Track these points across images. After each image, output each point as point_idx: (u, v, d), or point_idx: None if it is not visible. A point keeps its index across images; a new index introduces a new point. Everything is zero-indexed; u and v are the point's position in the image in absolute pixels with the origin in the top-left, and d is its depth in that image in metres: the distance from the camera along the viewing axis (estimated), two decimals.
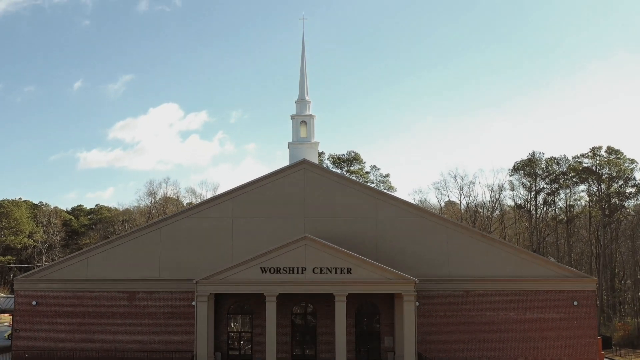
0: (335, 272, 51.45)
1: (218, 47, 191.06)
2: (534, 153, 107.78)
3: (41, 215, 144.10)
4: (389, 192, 55.43)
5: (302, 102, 60.35)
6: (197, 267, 54.79)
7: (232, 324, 56.26)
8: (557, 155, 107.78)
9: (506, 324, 55.17)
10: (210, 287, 51.51)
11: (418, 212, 56.20)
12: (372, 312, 55.81)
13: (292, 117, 59.98)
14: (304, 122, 59.46)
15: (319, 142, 59.52)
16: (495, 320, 55.23)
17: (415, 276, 51.66)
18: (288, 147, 59.69)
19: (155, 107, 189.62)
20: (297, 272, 51.45)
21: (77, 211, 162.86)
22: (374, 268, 51.43)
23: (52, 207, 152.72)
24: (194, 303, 51.98)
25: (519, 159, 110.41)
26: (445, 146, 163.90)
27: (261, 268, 51.55)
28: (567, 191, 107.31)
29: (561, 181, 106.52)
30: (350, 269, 51.50)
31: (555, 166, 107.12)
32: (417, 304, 51.97)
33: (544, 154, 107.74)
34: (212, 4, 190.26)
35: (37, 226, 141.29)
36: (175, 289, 55.31)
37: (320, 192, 56.03)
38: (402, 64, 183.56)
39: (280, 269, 51.50)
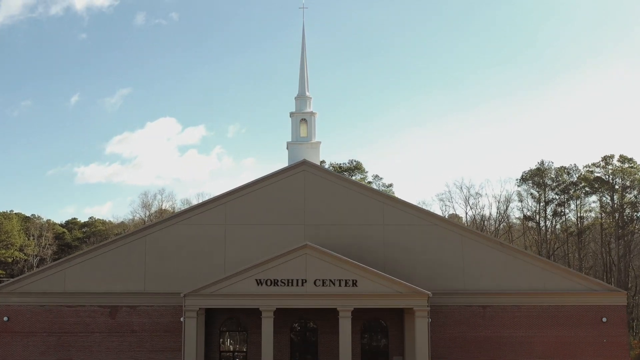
0: (339, 285, 45.50)
1: (215, 59, 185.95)
2: (542, 162, 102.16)
3: (33, 227, 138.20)
4: (397, 197, 49.24)
5: (302, 98, 54.61)
6: (186, 279, 48.84)
7: (225, 342, 50.19)
8: (567, 165, 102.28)
9: (527, 343, 49.10)
10: (199, 301, 45.50)
11: (430, 218, 50.32)
12: (380, 329, 49.77)
13: (292, 114, 54.20)
14: (304, 120, 53.68)
15: (320, 142, 53.72)
16: (515, 339, 49.17)
17: (426, 289, 45.68)
18: (287, 148, 53.91)
19: (153, 121, 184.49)
20: (297, 285, 45.52)
21: (71, 224, 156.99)
22: (382, 280, 45.46)
23: (45, 219, 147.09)
24: (182, 319, 45.96)
25: (527, 169, 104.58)
26: (450, 155, 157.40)
27: (257, 280, 45.60)
28: (578, 202, 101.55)
29: (571, 191, 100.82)
30: (356, 281, 45.54)
31: (565, 176, 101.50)
32: (429, 320, 45.96)
33: (553, 163, 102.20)
34: (209, 17, 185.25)
35: (28, 239, 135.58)
36: (162, 303, 49.29)
37: (322, 196, 50.20)
38: (409, 60, 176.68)
39: (277, 281, 45.58)
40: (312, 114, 53.96)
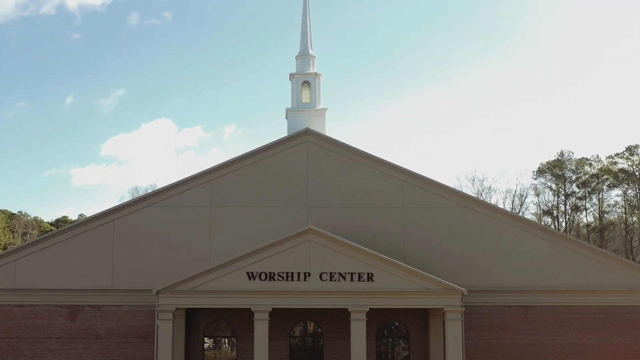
0: (352, 279, 35.60)
1: (210, 58, 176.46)
2: (562, 153, 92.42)
3: (17, 224, 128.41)
4: (420, 174, 39.37)
5: (304, 57, 44.61)
6: (163, 273, 39.00)
7: (210, 350, 40.22)
8: (588, 156, 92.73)
9: (580, 352, 39.20)
10: (176, 299, 35.55)
11: (460, 199, 40.42)
12: (399, 334, 39.83)
13: (292, 76, 44.20)
14: (306, 82, 43.73)
15: (326, 110, 43.84)
16: (564, 347, 39.28)
17: (456, 285, 35.84)
18: (286, 117, 44.03)
19: (148, 122, 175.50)
20: (298, 279, 35.63)
21: (61, 222, 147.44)
22: (405, 273, 35.57)
23: (32, 217, 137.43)
24: (156, 322, 36.04)
25: (545, 160, 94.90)
26: (462, 146, 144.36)
27: (248, 273, 35.68)
28: (600, 196, 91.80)
29: (593, 185, 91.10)
30: (372, 275, 35.64)
31: (586, 167, 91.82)
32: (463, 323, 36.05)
33: (573, 153, 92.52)
34: (203, 15, 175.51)
35: (13, 237, 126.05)
36: (133, 302, 39.40)
37: (328, 172, 40.35)
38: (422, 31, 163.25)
39: (274, 274, 35.68)
40: (316, 75, 44.02)
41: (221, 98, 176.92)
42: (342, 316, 37.66)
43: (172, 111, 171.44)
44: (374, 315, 37.17)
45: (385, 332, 39.68)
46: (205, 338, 39.71)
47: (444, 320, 36.25)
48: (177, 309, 35.89)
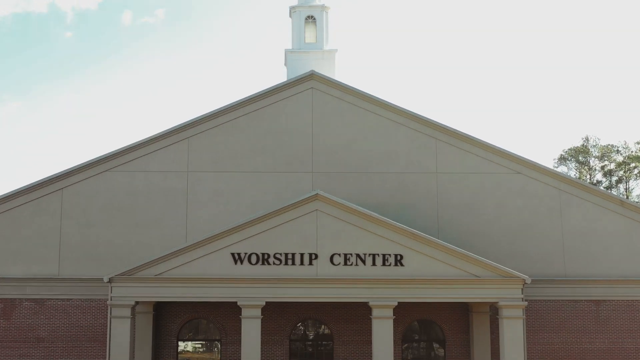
0: (374, 263, 25.77)
1: (205, 56, 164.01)
2: (587, 138, 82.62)
3: None
4: (458, 130, 29.49)
5: None
6: (125, 257, 29.20)
7: (186, 357, 30.19)
8: (615, 142, 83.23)
9: None
10: (136, 289, 25.65)
11: (510, 162, 30.53)
12: (432, 338, 29.92)
13: (292, 9, 34.23)
14: (311, 17, 33.84)
15: (336, 51, 34.06)
16: None
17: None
18: (285, 64, 34.23)
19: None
20: (302, 263, 25.80)
21: None
22: (446, 255, 25.76)
23: None
24: (108, 321, 26.11)
25: (568, 146, 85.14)
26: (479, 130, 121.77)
27: (234, 255, 25.82)
28: (628, 185, 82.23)
29: (621, 173, 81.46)
30: (402, 258, 25.80)
31: (614, 154, 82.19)
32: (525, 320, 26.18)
33: (599, 139, 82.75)
34: (193, 10, 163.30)
35: None
36: (86, 294, 29.50)
37: (339, 128, 30.52)
38: None
39: (268, 256, 25.83)
40: (323, 8, 34.11)
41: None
42: (359, 313, 27.97)
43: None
44: (399, 312, 27.41)
45: (413, 335, 29.75)
46: (179, 342, 29.75)
47: (498, 319, 26.39)
48: (137, 302, 26.01)
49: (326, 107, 30.67)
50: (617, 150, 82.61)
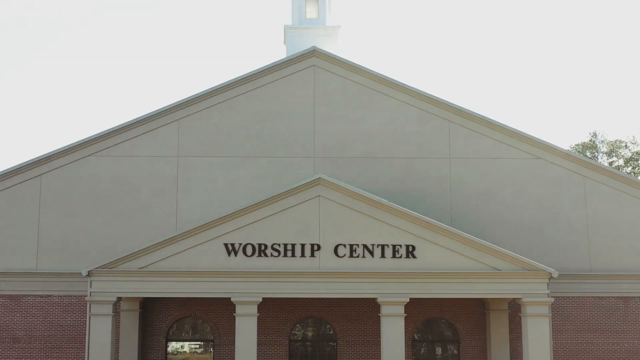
0: (383, 255, 23.01)
1: (197, 32, 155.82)
2: (595, 134, 79.86)
3: None
4: (473, 112, 26.73)
5: None
6: (109, 250, 26.45)
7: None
8: (624, 137, 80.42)
9: None
10: (118, 283, 22.87)
11: (530, 146, 27.77)
12: (445, 338, 27.15)
13: None
14: None
15: (340, 27, 31.31)
16: None
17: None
18: (284, 42, 31.48)
19: None
20: (303, 255, 23.03)
21: None
22: (463, 246, 22.99)
23: None
24: (87, 319, 23.30)
25: (575, 142, 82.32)
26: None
27: (227, 245, 23.04)
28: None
29: (629, 169, 78.77)
30: (414, 249, 23.03)
31: (622, 150, 79.48)
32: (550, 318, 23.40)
33: (608, 135, 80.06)
34: None
35: None
36: (67, 290, 26.75)
37: (343, 109, 27.77)
38: None
39: (266, 247, 23.06)
40: None
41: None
42: (366, 311, 25.28)
43: None
44: (408, 309, 24.69)
45: (424, 334, 26.99)
46: (169, 342, 26.99)
47: (517, 317, 23.65)
48: (119, 298, 23.23)
49: (329, 86, 27.92)
50: (626, 145, 79.94)
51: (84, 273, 22.75)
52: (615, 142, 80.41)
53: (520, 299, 22.89)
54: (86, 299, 22.98)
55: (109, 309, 22.77)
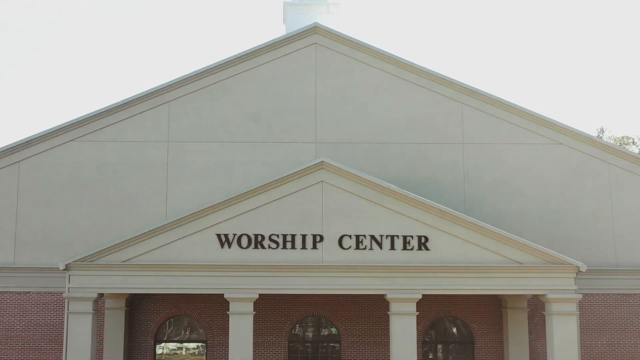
0: (392, 246, 20.61)
1: (189, 10, 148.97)
2: (602, 130, 77.47)
3: None
4: (488, 93, 24.35)
5: None
6: (95, 241, 24.10)
7: None
8: (631, 134, 78.07)
9: None
10: (98, 278, 20.46)
11: (549, 130, 25.41)
12: (458, 338, 24.75)
13: None
14: None
15: (342, 3, 28.94)
16: None
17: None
18: (283, 19, 29.13)
19: None
20: (304, 246, 20.63)
21: None
22: (482, 237, 20.59)
23: None
24: (65, 318, 20.88)
25: None
26: None
27: (220, 236, 20.64)
28: None
29: None
30: (426, 240, 20.64)
31: (631, 147, 77.12)
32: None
33: (615, 131, 77.74)
34: None
35: None
36: (47, 287, 24.40)
37: (348, 91, 25.41)
38: None
39: (263, 238, 20.66)
40: None
41: None
42: (374, 308, 22.94)
43: None
44: (418, 307, 22.33)
45: (435, 335, 24.59)
46: (157, 344, 24.60)
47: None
48: (101, 294, 20.81)
49: (332, 66, 25.55)
50: (633, 141, 77.66)
51: (61, 267, 20.35)
52: (623, 138, 78.06)
53: (544, 295, 20.48)
54: (63, 295, 20.58)
55: (88, 307, 20.36)
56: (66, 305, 20.57)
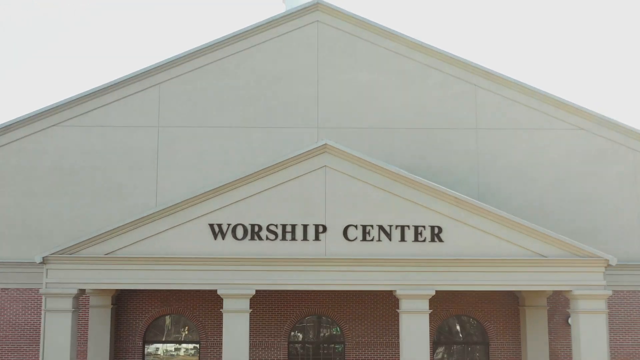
0: (403, 238, 18.59)
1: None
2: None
3: None
4: (505, 75, 22.36)
5: None
6: (78, 233, 22.10)
7: None
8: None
9: None
10: (80, 272, 18.41)
11: (570, 115, 23.43)
12: (471, 338, 22.75)
13: None
14: None
15: None
16: None
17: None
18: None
19: None
20: (305, 238, 18.61)
21: None
22: (501, 227, 18.58)
23: None
24: (42, 316, 18.83)
25: None
26: None
27: (213, 227, 18.61)
28: None
29: None
30: (440, 230, 18.63)
31: None
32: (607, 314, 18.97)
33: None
34: None
35: None
36: (26, 283, 22.49)
37: (352, 71, 23.42)
38: None
39: (260, 228, 18.65)
40: None
41: None
42: (382, 306, 20.97)
43: None
44: (433, 303, 20.26)
45: (447, 335, 22.59)
46: (146, 344, 22.59)
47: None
48: (82, 290, 18.79)
49: (336, 45, 23.56)
50: None
51: (38, 260, 18.32)
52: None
53: (570, 291, 18.47)
54: (40, 291, 18.55)
55: (68, 304, 18.34)
56: (44, 302, 18.53)
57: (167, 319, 22.62)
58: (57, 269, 18.33)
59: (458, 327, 22.65)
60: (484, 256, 18.48)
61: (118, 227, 18.43)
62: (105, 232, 18.38)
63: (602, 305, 18.33)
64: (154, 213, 18.50)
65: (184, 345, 22.63)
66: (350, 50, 23.52)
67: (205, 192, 18.65)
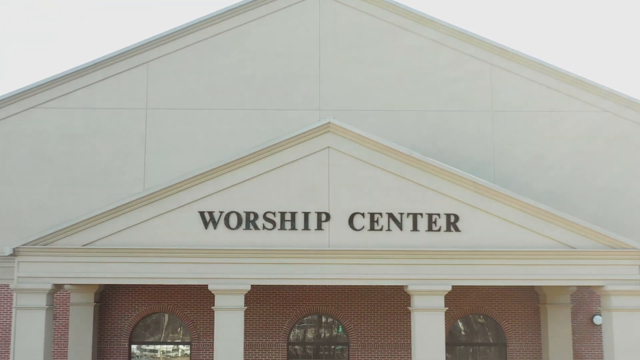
0: (415, 227, 16.55)
1: None
2: None
3: None
4: (524, 53, 20.33)
5: None
6: (60, 224, 20.00)
7: None
8: None
9: None
10: (55, 265, 16.35)
11: (593, 96, 21.37)
12: (488, 339, 20.71)
13: None
14: None
15: None
16: None
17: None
18: None
19: None
20: (306, 227, 16.57)
21: None
22: (524, 215, 16.55)
23: None
24: (13, 315, 16.79)
25: None
26: None
27: (203, 214, 16.56)
28: None
29: None
30: (457, 219, 16.58)
31: None
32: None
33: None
34: None
35: None
36: (3, 278, 20.38)
37: (356, 49, 21.39)
38: None
39: (256, 216, 16.59)
40: None
41: None
42: (390, 303, 18.87)
43: None
44: (446, 300, 18.18)
45: (461, 336, 20.55)
46: (132, 345, 20.53)
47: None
48: (57, 285, 16.72)
49: (339, 20, 21.52)
50: None
51: (8, 251, 16.28)
52: None
53: (601, 287, 16.43)
54: (11, 286, 16.50)
55: (41, 300, 16.29)
56: (15, 299, 16.48)
57: (156, 318, 20.57)
58: (30, 261, 16.28)
59: (473, 327, 20.61)
60: (505, 247, 16.44)
61: (97, 215, 16.38)
62: (84, 220, 16.33)
63: (638, 302, 16.29)
64: (137, 199, 16.45)
65: (173, 346, 20.58)
66: (354, 26, 21.48)
67: (194, 176, 16.60)
